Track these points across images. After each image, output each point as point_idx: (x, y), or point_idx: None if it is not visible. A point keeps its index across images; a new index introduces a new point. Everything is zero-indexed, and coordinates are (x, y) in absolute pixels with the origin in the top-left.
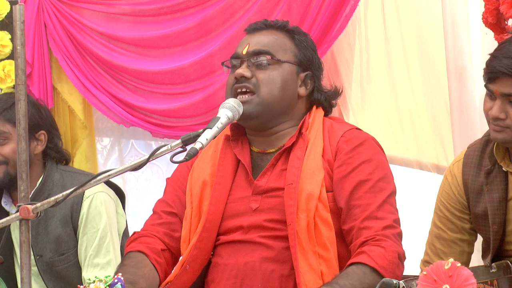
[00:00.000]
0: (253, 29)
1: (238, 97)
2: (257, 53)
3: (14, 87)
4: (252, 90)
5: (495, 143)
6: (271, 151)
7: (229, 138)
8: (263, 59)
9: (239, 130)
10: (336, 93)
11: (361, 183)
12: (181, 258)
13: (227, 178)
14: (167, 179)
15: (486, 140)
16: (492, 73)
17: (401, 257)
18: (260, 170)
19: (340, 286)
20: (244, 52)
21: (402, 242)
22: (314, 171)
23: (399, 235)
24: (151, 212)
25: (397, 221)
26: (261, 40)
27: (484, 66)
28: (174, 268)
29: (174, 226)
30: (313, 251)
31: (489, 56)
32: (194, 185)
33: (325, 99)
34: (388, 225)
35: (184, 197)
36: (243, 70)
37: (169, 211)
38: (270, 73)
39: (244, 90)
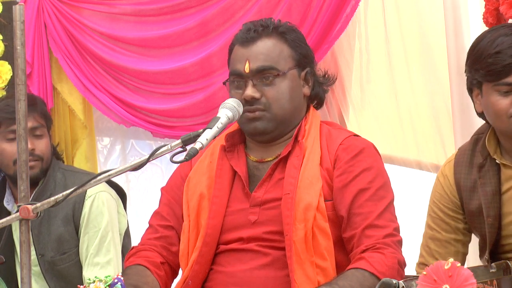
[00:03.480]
0: (245, 40)
1: (248, 113)
2: (261, 70)
3: (5, 88)
4: (263, 109)
5: (486, 138)
6: (268, 159)
7: (225, 148)
8: (269, 75)
9: (234, 140)
10: (328, 78)
11: (361, 191)
12: (181, 272)
13: (224, 190)
14: (162, 189)
15: (476, 139)
16: (508, 64)
17: (401, 264)
18: (257, 180)
19: (340, 287)
20: (247, 70)
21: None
22: (312, 180)
23: (400, 242)
24: (152, 211)
25: (397, 229)
26: (259, 53)
27: None
28: (176, 284)
29: (171, 239)
30: (310, 261)
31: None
32: (190, 198)
33: (322, 90)
34: (389, 233)
35: (179, 209)
36: (252, 92)
37: (165, 225)
38: (278, 87)
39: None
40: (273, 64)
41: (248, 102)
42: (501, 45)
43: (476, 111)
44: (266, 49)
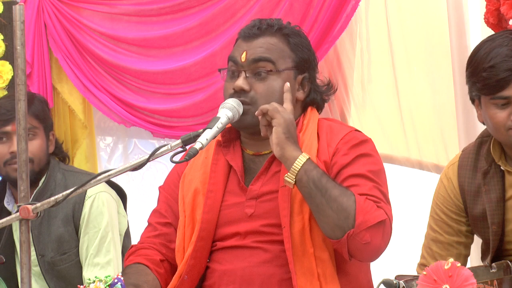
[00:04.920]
0: (247, 36)
1: None
2: (257, 61)
3: (6, 88)
4: (249, 103)
5: (491, 143)
6: (264, 152)
7: (221, 143)
8: (263, 69)
9: (231, 135)
10: (330, 88)
11: (356, 175)
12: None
13: (219, 184)
14: (160, 188)
15: (480, 142)
16: (502, 79)
17: (387, 224)
18: (253, 173)
19: (327, 177)
20: (243, 59)
21: (402, 242)
22: None
23: (391, 221)
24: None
25: (391, 213)
26: (259, 47)
27: None
28: (172, 279)
29: (169, 237)
30: (309, 253)
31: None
32: (186, 194)
33: (320, 98)
34: (385, 205)
35: (176, 206)
36: (242, 83)
37: (163, 222)
38: (269, 84)
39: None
40: (270, 56)
41: (236, 93)
42: (495, 59)
43: (478, 119)
44: (267, 44)
